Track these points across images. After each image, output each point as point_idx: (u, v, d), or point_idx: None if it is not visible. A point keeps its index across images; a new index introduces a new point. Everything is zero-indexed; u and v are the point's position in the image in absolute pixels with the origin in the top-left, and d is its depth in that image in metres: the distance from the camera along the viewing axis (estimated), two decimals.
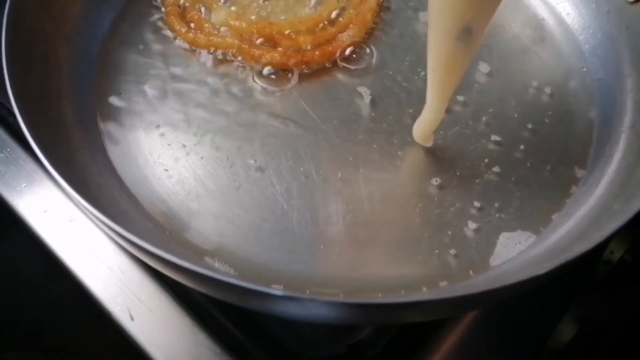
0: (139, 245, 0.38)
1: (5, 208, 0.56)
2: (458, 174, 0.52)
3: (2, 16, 0.49)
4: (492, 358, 0.55)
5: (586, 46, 0.60)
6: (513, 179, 0.52)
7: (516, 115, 0.56)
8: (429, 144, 0.53)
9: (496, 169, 0.52)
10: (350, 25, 0.59)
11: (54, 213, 0.55)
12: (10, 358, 0.59)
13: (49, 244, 0.54)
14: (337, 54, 0.58)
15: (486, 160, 0.53)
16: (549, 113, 0.56)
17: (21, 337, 0.60)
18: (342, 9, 0.60)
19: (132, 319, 0.50)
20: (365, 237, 0.48)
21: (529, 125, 0.55)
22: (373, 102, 0.56)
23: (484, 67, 0.59)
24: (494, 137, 0.54)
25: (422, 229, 0.49)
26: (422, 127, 0.52)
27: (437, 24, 0.44)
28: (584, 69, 0.59)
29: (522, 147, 0.54)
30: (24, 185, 0.56)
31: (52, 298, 0.58)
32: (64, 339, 0.58)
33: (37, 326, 0.59)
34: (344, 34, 0.58)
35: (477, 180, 0.52)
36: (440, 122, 0.51)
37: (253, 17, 0.59)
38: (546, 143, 0.54)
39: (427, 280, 0.46)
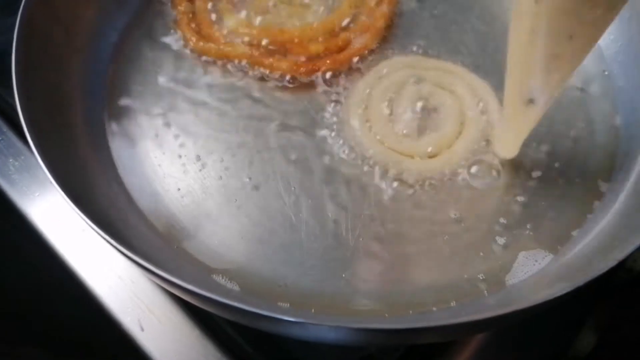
0: (142, 264, 0.37)
1: (19, 216, 0.56)
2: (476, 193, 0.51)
3: (14, 27, 0.49)
4: None
5: (607, 52, 0.57)
6: (532, 196, 0.50)
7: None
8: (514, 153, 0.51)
9: (519, 189, 0.51)
10: (363, 33, 0.58)
11: (67, 222, 0.55)
12: (24, 353, 0.60)
13: (61, 253, 0.54)
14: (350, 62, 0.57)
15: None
16: (572, 122, 0.54)
17: (35, 336, 0.60)
18: (354, 16, 0.59)
19: (142, 329, 0.50)
20: (375, 253, 0.47)
21: (547, 144, 0.53)
22: None
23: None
24: None
25: (437, 246, 0.48)
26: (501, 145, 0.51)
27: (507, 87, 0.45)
28: (606, 73, 0.57)
29: (543, 161, 0.52)
30: (37, 193, 0.57)
31: (65, 302, 0.59)
32: (77, 345, 0.59)
33: (49, 326, 0.60)
34: (356, 41, 0.57)
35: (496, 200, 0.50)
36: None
37: (258, 20, 0.58)
38: (569, 156, 0.52)
39: (437, 299, 0.45)
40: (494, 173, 0.51)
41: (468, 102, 0.54)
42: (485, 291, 0.45)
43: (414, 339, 0.40)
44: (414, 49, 0.59)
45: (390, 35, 0.59)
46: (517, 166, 0.52)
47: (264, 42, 0.57)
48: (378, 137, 0.53)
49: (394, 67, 0.57)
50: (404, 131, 0.53)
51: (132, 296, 0.52)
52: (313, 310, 0.44)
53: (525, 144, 0.51)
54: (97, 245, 0.54)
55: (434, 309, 0.44)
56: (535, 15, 0.39)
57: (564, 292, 0.36)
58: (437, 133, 0.53)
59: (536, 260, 0.47)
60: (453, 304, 0.44)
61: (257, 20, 0.58)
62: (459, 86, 0.55)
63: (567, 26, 0.39)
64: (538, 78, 0.43)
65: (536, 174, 0.51)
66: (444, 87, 0.55)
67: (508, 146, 0.50)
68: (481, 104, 0.54)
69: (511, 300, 0.43)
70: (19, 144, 0.60)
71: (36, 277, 0.60)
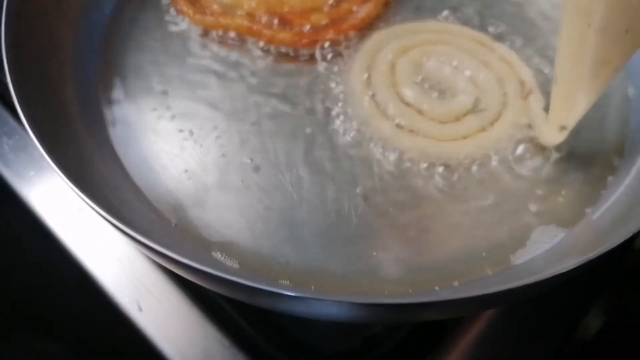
0: (140, 240, 0.36)
1: (14, 196, 0.55)
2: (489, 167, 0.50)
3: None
4: (516, 350, 0.53)
5: None
6: (544, 170, 0.49)
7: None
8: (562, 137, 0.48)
9: (529, 162, 0.49)
10: (365, 1, 0.56)
11: (63, 202, 0.54)
12: (20, 337, 0.60)
13: (58, 233, 0.53)
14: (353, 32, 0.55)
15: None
16: None
17: (30, 318, 0.60)
18: None
19: (140, 310, 0.50)
20: (377, 230, 0.46)
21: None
22: None
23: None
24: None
25: (438, 225, 0.47)
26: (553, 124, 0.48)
27: None
28: None
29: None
30: (32, 173, 0.56)
31: (62, 283, 0.58)
32: (74, 327, 0.59)
33: (46, 308, 0.60)
34: (359, 9, 0.55)
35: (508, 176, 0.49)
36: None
37: None
38: (580, 131, 0.50)
39: (440, 279, 0.43)
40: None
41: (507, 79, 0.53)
42: (490, 270, 0.44)
43: (417, 315, 0.39)
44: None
45: (397, 5, 0.58)
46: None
47: (263, 13, 0.55)
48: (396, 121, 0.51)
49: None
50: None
51: (130, 277, 0.51)
52: (313, 287, 0.42)
53: None
54: (94, 226, 0.53)
55: (437, 288, 0.43)
56: (590, 10, 0.39)
57: (577, 264, 0.35)
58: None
59: (553, 236, 0.45)
60: (456, 284, 0.43)
61: None
62: (491, 58, 0.54)
63: (624, 19, 0.38)
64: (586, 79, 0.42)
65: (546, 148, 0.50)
66: (475, 56, 0.54)
67: (552, 136, 0.48)
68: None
69: (521, 275, 0.42)
70: (12, 122, 0.58)
71: (32, 258, 0.59)
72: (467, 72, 0.53)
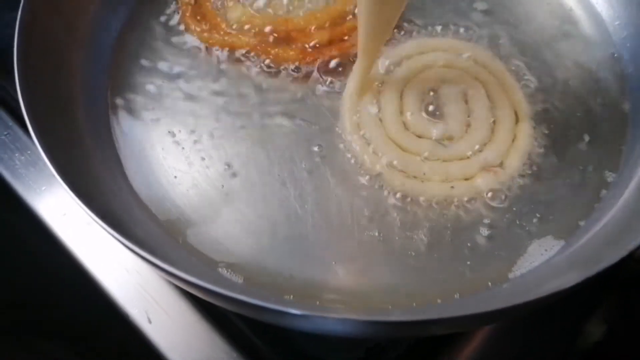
0: (145, 257, 0.37)
1: (25, 210, 0.56)
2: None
3: (15, 22, 0.48)
4: (518, 358, 0.54)
5: (615, 37, 0.57)
6: (540, 184, 0.50)
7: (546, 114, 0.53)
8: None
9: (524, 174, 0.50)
10: None
11: (73, 216, 0.55)
12: (31, 346, 0.61)
13: (68, 246, 0.54)
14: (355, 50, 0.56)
15: None
16: (579, 109, 0.54)
17: (42, 329, 0.61)
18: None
19: (149, 321, 0.50)
20: (381, 245, 0.47)
21: (553, 131, 0.52)
22: None
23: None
24: None
25: (440, 239, 0.47)
26: (353, 83, 0.53)
27: None
28: (615, 55, 0.56)
29: (550, 149, 0.51)
30: (43, 187, 0.57)
31: (73, 295, 0.59)
32: (84, 337, 0.59)
33: (56, 319, 0.60)
34: None
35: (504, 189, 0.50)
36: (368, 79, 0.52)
37: (261, 9, 0.58)
38: (575, 145, 0.52)
39: (442, 292, 0.44)
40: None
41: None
42: (490, 282, 0.45)
43: (419, 331, 0.40)
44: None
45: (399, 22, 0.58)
46: (522, 153, 0.51)
47: (268, 31, 0.56)
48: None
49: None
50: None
51: (139, 288, 0.52)
52: (318, 302, 0.43)
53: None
54: (104, 239, 0.53)
55: (439, 301, 0.43)
56: None
57: (575, 282, 0.35)
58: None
59: (545, 250, 0.46)
60: (457, 296, 0.44)
61: (260, 9, 0.57)
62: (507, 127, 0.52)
63: None
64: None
65: (542, 163, 0.51)
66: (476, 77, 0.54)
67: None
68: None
69: (520, 291, 0.42)
70: (25, 138, 0.60)
71: (43, 270, 0.60)
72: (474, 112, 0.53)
